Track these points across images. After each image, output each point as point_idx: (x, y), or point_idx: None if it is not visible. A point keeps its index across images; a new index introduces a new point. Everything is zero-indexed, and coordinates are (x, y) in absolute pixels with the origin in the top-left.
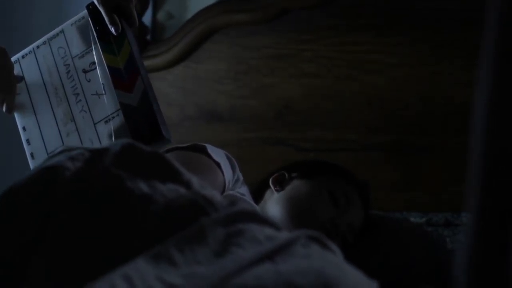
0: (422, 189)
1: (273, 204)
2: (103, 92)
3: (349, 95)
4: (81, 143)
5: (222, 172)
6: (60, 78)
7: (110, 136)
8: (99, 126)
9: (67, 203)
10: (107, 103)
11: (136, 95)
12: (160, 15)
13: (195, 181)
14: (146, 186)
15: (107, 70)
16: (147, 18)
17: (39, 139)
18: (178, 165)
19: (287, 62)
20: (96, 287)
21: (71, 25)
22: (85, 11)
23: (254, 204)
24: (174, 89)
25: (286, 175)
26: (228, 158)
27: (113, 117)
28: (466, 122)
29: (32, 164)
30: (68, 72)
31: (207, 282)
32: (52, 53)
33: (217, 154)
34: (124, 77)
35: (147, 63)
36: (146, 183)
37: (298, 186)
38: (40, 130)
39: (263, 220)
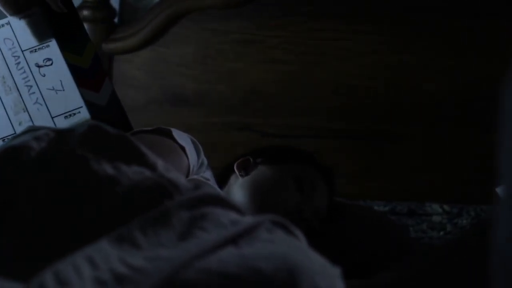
0: (387, 178)
1: (238, 189)
2: (62, 88)
3: (316, 82)
4: None
5: (187, 156)
6: (8, 67)
7: None
8: (58, 120)
9: (31, 183)
10: (66, 99)
11: (104, 95)
12: None
13: (160, 164)
14: (111, 168)
15: (67, 68)
16: (115, 0)
17: None
18: (144, 147)
19: (255, 47)
20: (58, 267)
21: (19, 18)
22: (37, 8)
23: (219, 189)
24: (140, 72)
25: (252, 160)
26: (193, 142)
27: (74, 114)
28: (433, 111)
29: None
30: (18, 63)
31: (170, 265)
32: None
33: (182, 138)
34: (90, 77)
35: (114, 45)
36: (111, 164)
37: (263, 172)
38: None
39: (228, 204)
